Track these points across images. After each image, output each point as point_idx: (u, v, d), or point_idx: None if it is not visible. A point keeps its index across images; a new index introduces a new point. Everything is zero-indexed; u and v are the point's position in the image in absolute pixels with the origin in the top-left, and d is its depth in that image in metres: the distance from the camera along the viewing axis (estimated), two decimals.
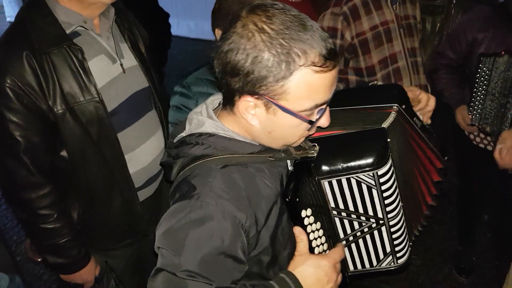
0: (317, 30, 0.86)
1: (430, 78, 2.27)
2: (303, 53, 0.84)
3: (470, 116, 2.18)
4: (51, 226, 1.42)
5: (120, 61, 1.50)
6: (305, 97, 0.88)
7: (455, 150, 2.54)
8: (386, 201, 1.01)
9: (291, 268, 0.98)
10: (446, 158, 1.29)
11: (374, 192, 0.99)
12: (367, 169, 0.95)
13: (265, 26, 0.84)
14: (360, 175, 0.96)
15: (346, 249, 1.10)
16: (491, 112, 2.08)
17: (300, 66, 0.85)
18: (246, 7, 0.89)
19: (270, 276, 1.00)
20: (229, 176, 0.94)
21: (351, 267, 1.14)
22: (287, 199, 0.96)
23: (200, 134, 0.99)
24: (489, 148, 2.29)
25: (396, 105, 1.09)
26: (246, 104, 0.91)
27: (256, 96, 0.89)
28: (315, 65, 0.85)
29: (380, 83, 1.94)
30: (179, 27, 6.82)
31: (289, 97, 0.88)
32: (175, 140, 1.07)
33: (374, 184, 0.97)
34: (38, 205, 1.39)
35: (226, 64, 0.88)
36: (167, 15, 3.29)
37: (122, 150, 1.50)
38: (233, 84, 0.89)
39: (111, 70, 1.48)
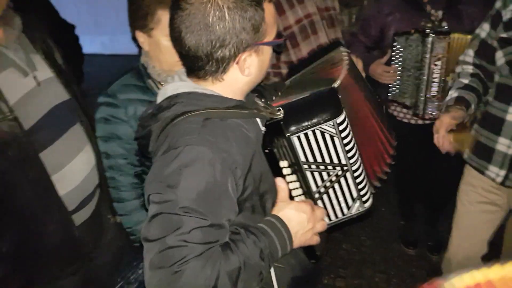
0: None
1: None
2: None
3: (389, 95, 2.31)
4: None
5: (33, 74, 1.37)
6: (274, 25, 1.04)
7: None
8: (347, 148, 1.13)
9: (275, 212, 1.08)
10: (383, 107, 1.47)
11: (336, 140, 1.11)
12: (328, 118, 1.08)
13: None
14: (323, 126, 1.09)
15: (320, 203, 1.20)
16: (408, 87, 2.22)
17: (264, 2, 0.99)
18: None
19: (257, 223, 1.06)
20: (213, 123, 0.99)
21: (326, 220, 1.23)
22: (266, 151, 1.10)
23: (177, 95, 1.03)
24: (412, 121, 2.43)
25: (344, 50, 1.32)
26: (244, 61, 1.01)
27: (249, 48, 1.00)
28: None
29: None
30: (92, 44, 6.53)
31: (268, 31, 1.02)
32: (148, 112, 1.08)
33: (335, 132, 1.10)
34: None
35: (216, 40, 0.95)
36: (72, 27, 3.10)
37: (47, 170, 1.37)
38: (227, 54, 0.98)
39: (24, 83, 1.35)
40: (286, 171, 1.13)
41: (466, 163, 1.94)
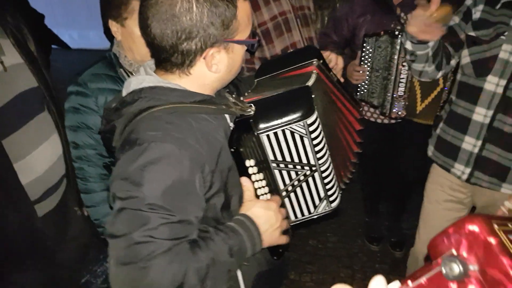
0: None
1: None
2: None
3: (358, 94, 2.37)
4: None
5: (0, 58, 1.33)
6: (247, 24, 1.02)
7: None
8: (316, 148, 1.12)
9: (243, 210, 1.08)
10: (360, 109, 1.45)
11: (306, 140, 1.10)
12: (298, 119, 1.07)
13: None
14: (293, 126, 1.08)
15: (287, 200, 1.19)
16: (377, 87, 2.28)
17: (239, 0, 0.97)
18: None
19: (224, 220, 1.06)
20: (178, 118, 0.97)
21: (293, 218, 1.24)
22: (232, 149, 1.07)
23: (141, 89, 1.01)
24: (379, 121, 2.51)
25: (315, 60, 1.25)
26: (211, 57, 0.98)
27: (218, 44, 0.97)
28: None
29: None
30: (61, 38, 6.35)
31: (240, 30, 0.99)
32: (112, 105, 1.05)
33: (305, 133, 1.09)
34: None
35: (182, 32, 0.93)
36: (42, 16, 3.03)
37: (9, 158, 1.32)
38: (193, 47, 0.96)
39: None
40: (252, 170, 1.12)
41: (431, 162, 1.99)
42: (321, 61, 1.28)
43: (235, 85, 1.30)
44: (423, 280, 0.65)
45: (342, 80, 1.39)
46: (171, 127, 0.94)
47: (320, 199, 1.21)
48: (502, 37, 1.62)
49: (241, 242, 1.01)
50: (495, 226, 0.68)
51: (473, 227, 0.69)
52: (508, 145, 1.67)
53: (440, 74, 1.86)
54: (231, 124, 1.11)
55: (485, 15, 1.69)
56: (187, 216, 0.93)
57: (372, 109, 2.49)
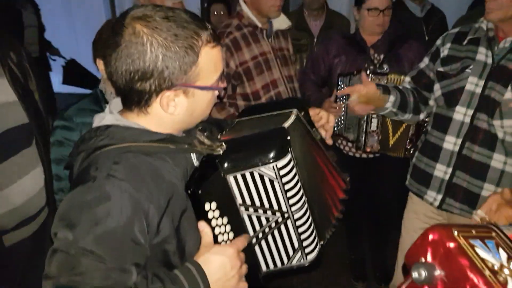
0: (192, 20, 0.97)
1: (300, 89, 2.58)
2: (198, 36, 0.96)
3: (334, 129, 2.47)
4: None
5: None
6: (213, 71, 1.01)
7: None
8: (288, 194, 1.06)
9: (196, 257, 0.99)
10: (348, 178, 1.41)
11: (276, 184, 1.05)
12: (267, 161, 1.02)
13: (156, 28, 0.93)
14: (262, 168, 1.03)
15: (257, 248, 1.13)
16: (352, 122, 2.39)
17: (200, 47, 0.96)
18: (122, 19, 0.95)
19: (178, 265, 1.00)
20: (128, 160, 0.95)
21: (264, 267, 1.16)
22: (189, 191, 1.00)
23: (98, 128, 1.01)
24: (357, 155, 2.60)
25: (295, 109, 1.21)
26: (167, 99, 0.97)
27: (175, 88, 0.97)
28: (210, 42, 0.98)
29: None
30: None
31: (202, 76, 0.98)
32: (77, 141, 1.07)
33: (275, 176, 1.04)
34: None
35: (135, 72, 0.93)
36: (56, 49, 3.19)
37: None
38: (148, 87, 0.95)
39: None
40: (213, 214, 1.03)
41: (408, 192, 2.05)
42: (303, 113, 1.26)
43: (217, 123, 1.29)
44: None
45: (330, 142, 1.36)
46: (117, 168, 0.92)
47: (294, 249, 1.13)
48: (467, 70, 1.74)
49: None
50: (455, 233, 0.75)
51: (435, 235, 0.76)
52: (476, 172, 1.75)
53: (422, 116, 2.00)
54: (197, 164, 1.08)
55: (452, 51, 1.83)
56: (122, 263, 0.88)
57: (349, 144, 2.59)
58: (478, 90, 1.71)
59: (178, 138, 1.05)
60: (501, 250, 0.73)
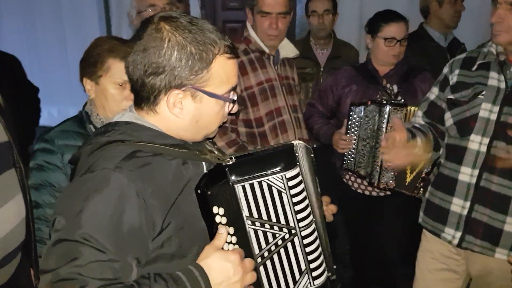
0: (214, 30, 1.01)
1: (307, 123, 2.47)
2: (216, 44, 0.99)
3: (344, 164, 2.30)
4: None
5: None
6: (225, 81, 1.02)
7: (338, 200, 2.59)
8: (296, 207, 1.05)
9: (199, 259, 1.00)
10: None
11: (284, 196, 1.04)
12: (276, 171, 1.03)
13: (178, 28, 0.98)
14: (270, 178, 1.03)
15: (262, 269, 1.09)
16: (364, 156, 2.22)
17: (216, 54, 0.99)
18: (155, 21, 0.99)
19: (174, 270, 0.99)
20: (138, 156, 0.97)
21: None
22: (198, 191, 1.01)
23: (117, 123, 1.04)
24: (367, 192, 2.41)
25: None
26: (175, 98, 0.99)
27: (184, 88, 0.99)
28: (227, 53, 1.01)
29: None
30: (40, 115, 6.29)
31: (212, 82, 1.00)
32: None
33: (283, 187, 1.04)
34: None
35: (149, 65, 0.97)
36: (36, 89, 3.09)
37: None
38: (158, 83, 0.98)
39: None
40: (219, 219, 1.04)
41: (422, 229, 1.90)
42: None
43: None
44: None
45: (331, 219, 1.30)
46: (127, 162, 0.94)
47: (300, 272, 1.09)
48: (480, 96, 1.66)
49: None
50: None
51: None
52: (497, 206, 1.62)
53: (441, 151, 1.86)
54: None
55: (461, 78, 1.74)
56: (124, 256, 0.89)
57: (359, 180, 2.41)
58: (494, 116, 1.63)
59: (189, 145, 1.07)
60: None
